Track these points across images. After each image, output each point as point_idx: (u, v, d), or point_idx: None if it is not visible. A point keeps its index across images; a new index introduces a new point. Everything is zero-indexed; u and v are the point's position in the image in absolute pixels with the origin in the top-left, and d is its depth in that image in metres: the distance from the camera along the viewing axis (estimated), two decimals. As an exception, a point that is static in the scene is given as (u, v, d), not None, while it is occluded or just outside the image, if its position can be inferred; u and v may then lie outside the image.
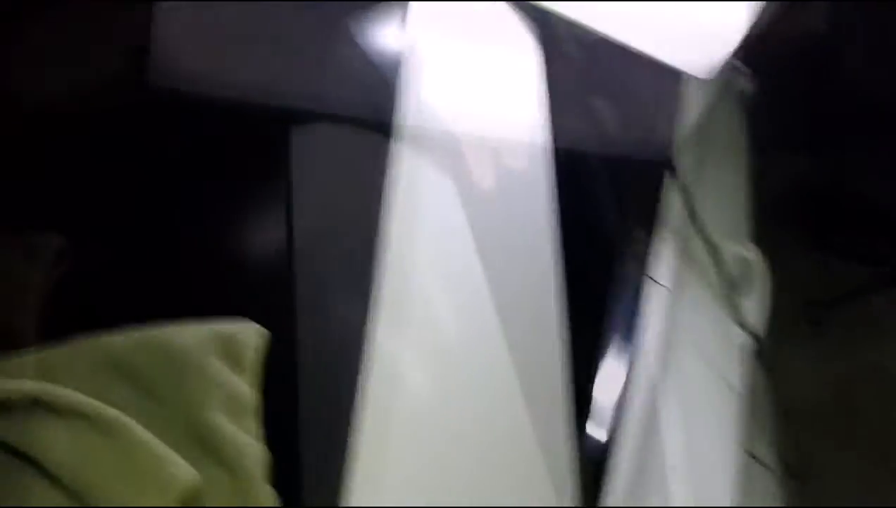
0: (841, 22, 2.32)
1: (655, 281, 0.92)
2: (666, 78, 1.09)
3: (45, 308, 0.64)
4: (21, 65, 0.74)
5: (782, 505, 1.04)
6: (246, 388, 0.56)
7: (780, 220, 2.08)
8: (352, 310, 0.61)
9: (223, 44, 0.72)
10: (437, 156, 0.68)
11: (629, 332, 0.84)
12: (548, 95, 0.78)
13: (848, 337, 2.04)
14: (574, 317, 0.71)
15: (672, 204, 1.04)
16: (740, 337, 1.09)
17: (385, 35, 0.75)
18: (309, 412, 0.56)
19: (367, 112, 0.70)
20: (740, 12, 0.79)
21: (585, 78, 0.96)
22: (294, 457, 0.55)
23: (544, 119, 0.77)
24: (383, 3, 0.75)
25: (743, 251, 1.17)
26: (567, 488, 0.65)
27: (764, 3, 0.80)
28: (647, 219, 1.00)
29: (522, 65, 0.79)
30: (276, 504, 0.52)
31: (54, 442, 0.53)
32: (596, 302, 0.87)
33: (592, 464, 0.71)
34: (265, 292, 0.64)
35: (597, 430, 0.74)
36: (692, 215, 1.04)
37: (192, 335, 0.57)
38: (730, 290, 1.08)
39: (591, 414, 0.75)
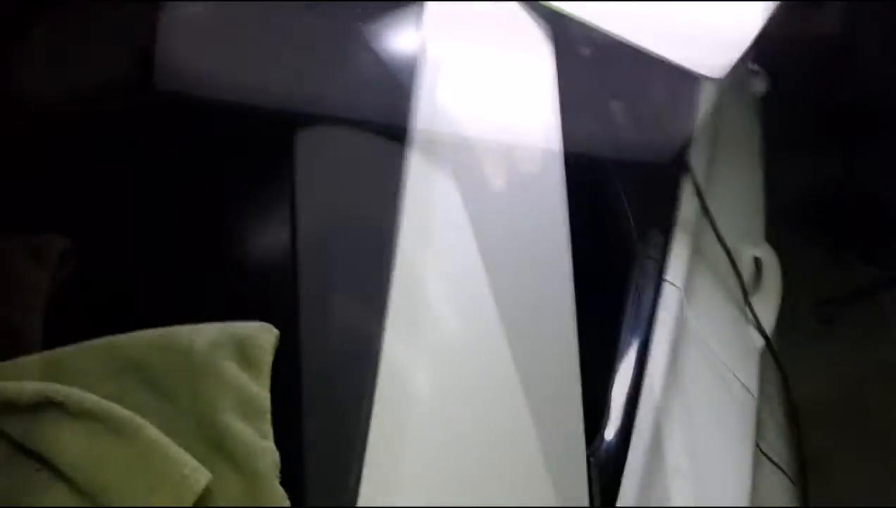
0: (855, 22, 2.31)
1: (668, 282, 0.91)
2: (679, 79, 1.09)
3: (50, 308, 0.65)
4: (26, 66, 0.74)
5: (793, 505, 1.04)
6: (259, 390, 0.56)
7: (793, 219, 2.07)
8: (355, 311, 0.61)
9: (228, 46, 0.72)
10: (449, 159, 0.68)
11: (642, 332, 0.84)
12: (561, 97, 0.78)
13: (859, 336, 2.03)
14: (587, 319, 0.71)
15: (686, 204, 1.04)
16: (752, 336, 1.08)
17: (395, 39, 0.75)
18: (312, 412, 0.56)
19: (374, 115, 0.70)
20: (753, 13, 0.78)
21: (599, 80, 0.96)
22: (297, 457, 0.55)
23: (557, 122, 0.77)
24: (391, 7, 0.75)
25: (756, 252, 1.17)
26: (579, 489, 0.65)
27: (777, 4, 0.80)
28: (660, 220, 1.00)
29: (536, 68, 0.79)
30: (288, 506, 0.52)
31: (68, 443, 0.53)
32: (609, 303, 0.87)
33: (605, 465, 0.71)
34: (269, 293, 0.64)
35: (609, 431, 0.74)
36: (706, 215, 1.04)
37: (206, 337, 0.57)
38: (742, 290, 1.08)
39: (603, 415, 0.75)
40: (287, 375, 0.58)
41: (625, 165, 0.93)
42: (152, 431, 0.53)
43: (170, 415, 0.55)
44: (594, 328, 0.73)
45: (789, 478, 1.03)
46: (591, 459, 0.68)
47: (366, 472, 0.53)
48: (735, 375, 0.97)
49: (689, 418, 0.84)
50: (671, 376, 0.82)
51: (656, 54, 0.79)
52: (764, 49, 0.82)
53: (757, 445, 0.94)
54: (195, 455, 0.53)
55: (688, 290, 0.93)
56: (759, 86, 1.72)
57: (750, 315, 1.08)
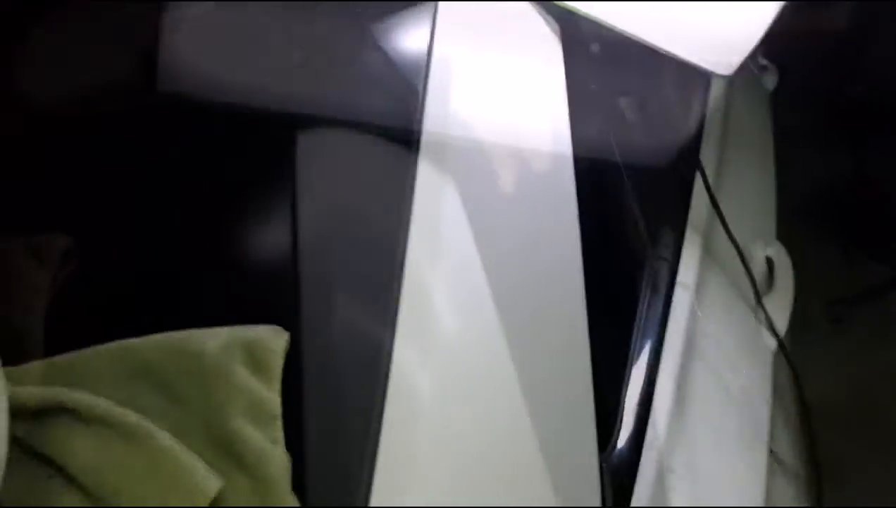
0: (866, 17, 2.29)
1: (680, 283, 0.91)
2: (689, 76, 1.08)
3: (51, 307, 0.65)
4: (29, 68, 0.74)
5: (806, 505, 1.03)
6: (270, 394, 0.56)
7: (804, 218, 2.06)
8: (363, 317, 0.61)
9: (232, 48, 0.72)
10: (459, 161, 0.68)
11: (654, 334, 0.84)
12: (571, 95, 0.78)
13: (871, 336, 2.02)
14: (598, 321, 0.70)
15: (697, 204, 1.03)
16: (765, 337, 1.08)
17: (403, 39, 0.75)
18: (314, 415, 0.56)
19: (381, 118, 0.69)
20: (763, 9, 0.78)
21: (609, 78, 0.96)
22: (308, 461, 0.54)
23: (567, 121, 0.76)
24: (399, 7, 0.74)
25: (768, 251, 1.16)
26: (592, 495, 0.64)
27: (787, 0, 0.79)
28: (671, 219, 1.00)
29: (546, 67, 0.78)
30: (299, 511, 0.52)
31: (80, 448, 0.53)
32: (620, 305, 0.86)
33: (618, 470, 0.70)
34: (273, 298, 0.64)
35: (622, 436, 0.74)
36: (717, 214, 1.03)
37: (217, 341, 0.57)
38: (755, 291, 1.07)
39: (616, 420, 0.75)
40: (295, 379, 0.57)
41: (635, 165, 0.92)
42: (164, 437, 0.53)
43: (181, 420, 0.55)
44: (605, 331, 0.73)
45: (800, 478, 1.03)
46: (604, 464, 0.68)
47: (376, 478, 0.53)
48: (748, 377, 0.96)
49: (702, 421, 0.83)
50: (683, 379, 0.82)
51: (666, 51, 0.79)
52: (774, 45, 0.82)
53: (770, 448, 0.93)
54: (206, 461, 0.53)
55: (700, 291, 0.93)
56: (770, 82, 1.71)
57: (762, 316, 1.07)
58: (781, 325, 1.09)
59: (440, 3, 0.73)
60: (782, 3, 0.78)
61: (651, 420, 0.75)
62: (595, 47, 0.92)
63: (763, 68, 1.71)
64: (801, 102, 2.00)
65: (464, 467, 0.57)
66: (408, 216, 0.62)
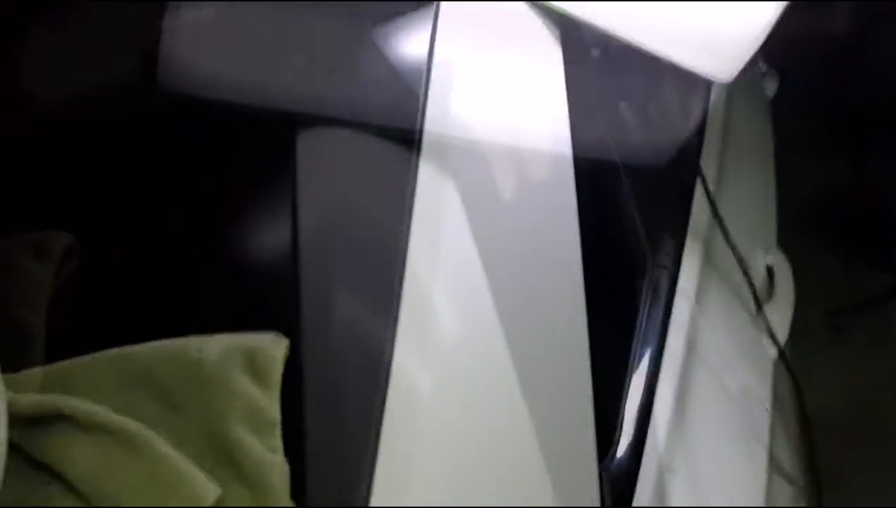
0: (866, 23, 2.30)
1: (680, 290, 0.91)
2: (690, 83, 1.08)
3: (54, 304, 0.65)
4: (30, 68, 0.75)
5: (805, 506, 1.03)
6: (269, 403, 0.56)
7: (804, 225, 2.06)
8: (363, 319, 0.61)
9: (233, 48, 0.72)
10: (460, 164, 0.67)
11: (655, 342, 0.83)
12: (571, 101, 0.78)
13: (871, 345, 2.02)
14: (598, 328, 0.70)
15: (697, 211, 1.03)
16: (765, 346, 1.08)
17: (404, 41, 0.75)
18: (315, 414, 0.56)
19: (382, 118, 0.69)
20: (762, 15, 0.77)
21: (609, 84, 0.96)
22: (306, 469, 0.54)
23: (567, 127, 0.76)
24: (400, 9, 0.74)
25: (769, 259, 1.16)
26: (591, 503, 0.64)
27: (787, 5, 0.79)
28: (672, 227, 0.99)
29: (546, 72, 0.78)
30: (299, 519, 0.52)
31: (79, 456, 0.53)
32: (620, 312, 0.86)
33: (617, 478, 0.70)
34: (271, 294, 0.64)
35: (621, 444, 0.73)
36: (718, 222, 1.03)
37: (216, 349, 0.57)
38: (755, 299, 1.07)
39: (615, 428, 0.74)
40: (293, 384, 0.57)
41: (635, 171, 0.92)
42: (163, 444, 0.53)
43: (179, 427, 0.55)
44: (605, 338, 0.72)
45: (802, 489, 1.03)
46: (604, 473, 0.68)
47: (376, 486, 0.53)
48: (748, 385, 0.96)
49: (702, 430, 0.83)
50: (683, 387, 0.82)
51: (666, 58, 0.79)
52: (774, 50, 0.82)
53: (770, 456, 0.93)
54: (205, 469, 0.53)
55: (700, 299, 0.93)
56: (770, 88, 1.71)
57: (762, 324, 1.07)
58: (782, 333, 1.09)
59: (442, 3, 0.73)
60: (783, 9, 0.78)
61: (651, 425, 0.75)
62: (595, 52, 0.92)
63: (763, 74, 1.71)
64: (801, 109, 2.00)
65: (463, 468, 0.57)
66: (409, 217, 0.62)
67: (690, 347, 0.86)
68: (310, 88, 0.71)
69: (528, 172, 0.76)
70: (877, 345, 2.01)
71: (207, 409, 0.55)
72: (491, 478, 0.58)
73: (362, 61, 0.73)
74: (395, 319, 0.58)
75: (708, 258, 0.99)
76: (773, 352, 1.07)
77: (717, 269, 1.01)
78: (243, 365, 0.57)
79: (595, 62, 0.92)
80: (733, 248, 1.03)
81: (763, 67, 1.71)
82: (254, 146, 0.70)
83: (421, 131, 0.66)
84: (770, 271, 1.16)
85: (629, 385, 0.79)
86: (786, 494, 0.96)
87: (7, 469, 0.49)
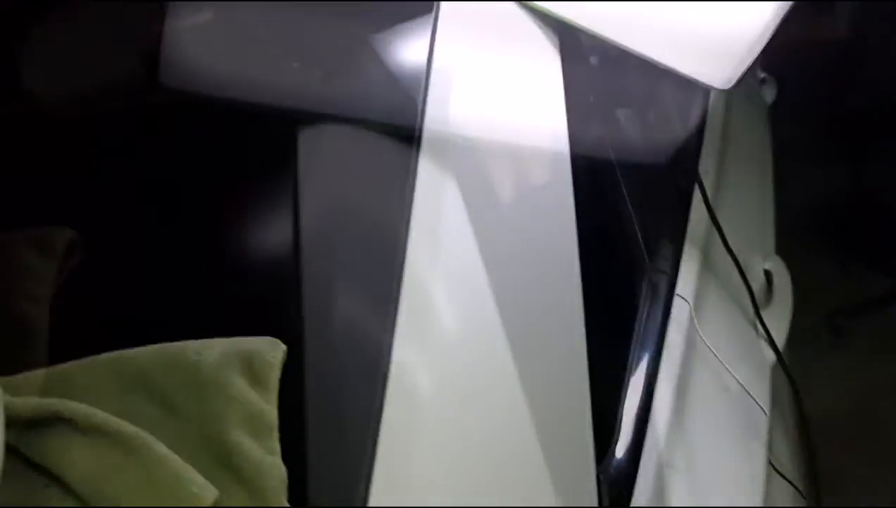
0: (865, 28, 2.30)
1: (678, 295, 0.91)
2: (688, 89, 1.09)
3: (56, 299, 0.65)
4: (33, 65, 0.75)
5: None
6: (267, 406, 0.56)
7: (803, 229, 2.07)
8: (358, 313, 0.61)
9: (233, 47, 0.72)
10: (458, 162, 0.68)
11: (652, 346, 0.83)
12: (569, 107, 0.78)
13: (870, 348, 2.02)
14: (597, 333, 0.70)
15: (695, 216, 1.04)
16: (763, 350, 1.08)
17: (407, 42, 0.75)
18: (313, 413, 0.56)
19: (386, 116, 0.70)
20: (761, 23, 0.78)
21: (608, 90, 0.96)
22: (304, 473, 0.54)
23: (566, 131, 0.77)
24: (400, 12, 0.75)
25: (767, 264, 1.16)
26: (590, 495, 0.64)
27: (786, 12, 0.79)
28: (670, 232, 1.00)
29: (544, 78, 0.78)
30: (295, 523, 0.52)
31: (77, 459, 0.53)
32: (619, 317, 0.86)
33: (615, 482, 0.70)
34: (271, 291, 0.64)
35: (619, 447, 0.73)
36: (716, 227, 1.03)
37: (214, 352, 0.57)
38: (753, 303, 1.07)
39: (613, 431, 0.74)
40: (292, 383, 0.57)
41: (634, 176, 0.92)
42: (161, 448, 0.53)
43: (177, 431, 0.55)
44: (604, 342, 0.73)
45: (801, 493, 1.03)
46: (601, 476, 0.68)
47: (374, 489, 0.53)
48: (746, 390, 0.96)
49: (700, 434, 0.83)
50: (681, 391, 0.82)
51: (664, 65, 0.79)
52: (773, 57, 0.82)
53: (769, 460, 0.93)
54: (202, 472, 0.53)
55: (698, 303, 0.93)
56: (769, 95, 1.72)
57: (761, 329, 1.07)
58: (780, 338, 1.09)
59: (442, 5, 0.73)
60: (782, 16, 0.79)
61: (651, 424, 0.75)
62: (594, 60, 0.92)
63: (762, 81, 1.71)
64: (800, 115, 2.00)
65: (462, 468, 0.57)
66: (408, 215, 0.62)
67: (689, 351, 0.87)
68: (310, 87, 0.71)
69: (527, 175, 0.76)
70: (876, 348, 2.01)
71: (205, 412, 0.55)
72: (489, 478, 0.58)
73: (363, 62, 0.73)
74: (394, 318, 0.58)
75: (706, 263, 0.99)
76: (771, 357, 1.07)
77: (716, 274, 1.02)
78: (241, 369, 0.57)
79: (593, 69, 0.93)
80: (731, 253, 1.03)
81: (762, 73, 1.72)
82: (255, 145, 0.70)
83: (420, 130, 0.66)
84: (768, 276, 1.16)
85: (627, 387, 0.79)
86: (785, 496, 0.96)
87: (5, 472, 0.49)
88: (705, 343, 0.92)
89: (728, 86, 0.80)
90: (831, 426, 1.48)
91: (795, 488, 1.00)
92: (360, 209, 0.66)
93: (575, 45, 0.84)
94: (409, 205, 0.63)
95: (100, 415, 0.54)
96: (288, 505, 0.52)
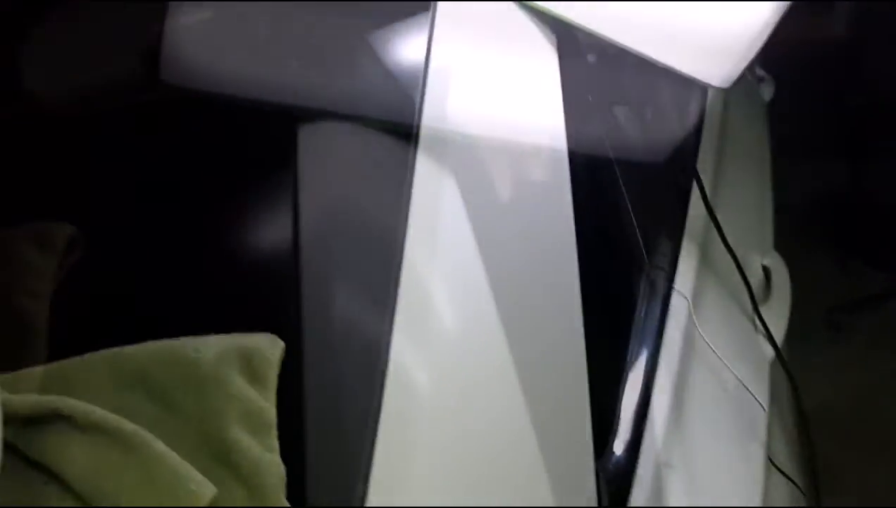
0: (863, 26, 2.30)
1: (677, 291, 0.91)
2: (686, 87, 1.09)
3: (56, 295, 0.65)
4: (35, 63, 0.75)
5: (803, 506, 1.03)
6: (265, 403, 0.56)
7: (802, 226, 2.07)
8: (356, 309, 0.61)
9: (232, 45, 0.72)
10: (456, 159, 0.68)
11: (651, 343, 0.84)
12: (567, 105, 0.78)
13: (869, 344, 2.02)
14: (595, 329, 0.70)
15: (694, 213, 1.04)
16: (762, 346, 1.08)
17: (405, 40, 0.75)
18: (313, 413, 0.56)
19: (384, 113, 0.70)
20: (760, 21, 0.78)
21: (605, 88, 0.96)
22: (302, 470, 0.55)
23: (564, 129, 0.77)
24: (399, 10, 0.75)
25: (765, 260, 1.16)
26: (588, 502, 0.65)
27: (784, 10, 0.79)
28: (668, 229, 1.00)
29: (542, 76, 0.78)
30: (294, 520, 0.52)
31: (75, 456, 0.53)
32: (617, 314, 0.86)
33: (614, 478, 0.70)
34: (269, 288, 0.64)
35: (618, 443, 0.74)
36: (714, 223, 1.03)
37: (212, 350, 0.57)
38: (752, 299, 1.07)
39: (612, 427, 0.75)
40: (291, 378, 0.57)
41: (632, 174, 0.92)
42: (159, 445, 0.53)
43: (175, 428, 0.55)
44: (602, 339, 0.73)
45: (800, 489, 1.03)
46: (600, 472, 0.68)
47: (372, 487, 0.53)
48: (745, 386, 0.96)
49: (699, 430, 0.83)
50: (680, 387, 0.82)
51: (662, 63, 0.79)
52: (771, 55, 0.82)
53: (768, 456, 0.93)
54: (201, 469, 0.53)
55: (696, 300, 0.93)
56: (767, 92, 1.72)
57: (759, 325, 1.07)
58: (779, 334, 1.09)
59: (439, 5, 0.73)
60: (780, 15, 0.79)
61: (649, 422, 0.75)
62: (592, 58, 0.92)
63: (760, 79, 1.71)
64: (797, 112, 2.00)
65: (460, 465, 0.57)
66: (406, 212, 0.62)
67: (687, 348, 0.87)
68: (309, 85, 0.71)
69: (525, 173, 0.76)
70: (875, 344, 2.01)
71: (204, 409, 0.55)
72: (487, 475, 0.58)
73: (361, 60, 0.73)
74: (392, 315, 0.58)
75: (704, 260, 0.99)
76: (770, 353, 1.07)
77: (714, 271, 1.02)
78: (240, 366, 0.57)
79: (591, 67, 0.93)
80: (729, 249, 1.03)
81: (759, 72, 1.72)
82: (254, 142, 0.70)
83: (418, 128, 0.66)
84: (767, 273, 1.16)
85: (626, 384, 0.79)
86: (783, 492, 0.96)
87: (3, 469, 0.49)
88: (704, 340, 0.92)
89: (726, 84, 0.80)
90: (830, 422, 1.48)
91: (794, 484, 1.00)
92: (359, 206, 0.66)
93: (573, 44, 0.84)
94: (407, 202, 0.63)
95: (98, 412, 0.54)
96: (286, 503, 0.53)
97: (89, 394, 0.56)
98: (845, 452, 1.68)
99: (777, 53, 0.87)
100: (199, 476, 0.52)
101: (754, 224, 1.27)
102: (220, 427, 0.54)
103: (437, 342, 0.60)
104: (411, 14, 0.74)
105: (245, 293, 0.64)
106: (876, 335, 2.03)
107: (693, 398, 0.84)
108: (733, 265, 1.05)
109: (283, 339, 0.59)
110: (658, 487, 0.73)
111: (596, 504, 0.65)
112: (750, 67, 0.81)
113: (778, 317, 1.11)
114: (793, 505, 0.99)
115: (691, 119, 1.18)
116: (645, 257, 0.92)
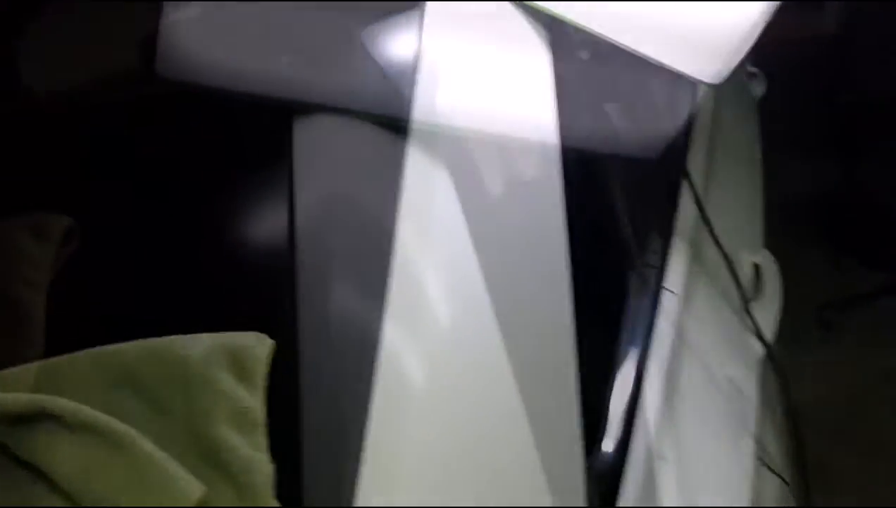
0: (854, 24, 2.31)
1: (667, 289, 0.91)
2: (677, 84, 1.09)
3: (53, 286, 0.65)
4: (32, 57, 0.75)
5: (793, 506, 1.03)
6: (254, 402, 0.56)
7: (793, 224, 2.07)
8: (353, 304, 0.61)
9: (229, 41, 0.72)
10: (448, 155, 0.68)
11: (641, 340, 0.84)
12: (559, 101, 0.78)
13: (860, 342, 2.03)
14: (585, 326, 0.70)
15: (684, 210, 1.04)
16: (752, 344, 1.08)
17: (397, 35, 0.75)
18: (310, 411, 0.56)
19: (377, 108, 0.70)
20: (751, 18, 0.78)
21: (597, 84, 0.96)
22: (292, 468, 0.54)
23: (556, 125, 0.77)
24: (390, 8, 0.75)
25: (755, 258, 1.17)
26: (577, 499, 0.65)
27: (776, 7, 0.79)
28: (658, 226, 1.00)
29: (534, 68, 0.78)
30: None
31: (63, 455, 0.53)
32: (607, 311, 0.86)
33: (603, 475, 0.71)
34: (264, 281, 0.64)
35: (607, 440, 0.74)
36: (704, 221, 1.04)
37: (201, 348, 0.57)
38: (742, 297, 1.08)
39: (601, 424, 0.75)
40: (284, 372, 0.57)
41: (622, 171, 0.92)
42: (147, 444, 0.53)
43: (164, 427, 0.55)
44: (592, 336, 0.73)
45: (789, 486, 1.03)
46: (590, 469, 0.68)
47: (361, 484, 0.53)
48: (735, 383, 0.96)
49: (689, 427, 0.83)
50: (670, 385, 0.82)
51: (654, 60, 0.79)
52: (762, 51, 0.82)
53: (757, 454, 0.93)
54: (189, 468, 0.53)
55: (686, 297, 0.93)
56: (758, 89, 1.72)
57: (749, 322, 1.08)
58: (769, 331, 1.10)
59: (427, 4, 0.73)
60: (772, 11, 0.79)
61: (640, 416, 0.76)
62: (584, 54, 0.92)
63: (751, 75, 1.72)
64: (789, 109, 2.01)
65: (450, 459, 0.57)
66: (398, 206, 0.62)
67: (677, 345, 0.87)
68: (302, 80, 0.71)
69: (516, 168, 0.76)
70: (865, 342, 2.02)
71: (192, 408, 0.55)
72: (477, 470, 0.58)
73: (353, 55, 0.73)
74: (382, 312, 0.58)
75: (695, 257, 1.00)
76: (760, 351, 1.07)
77: (704, 268, 1.02)
78: (228, 365, 0.57)
79: (583, 63, 0.92)
80: (720, 247, 1.04)
81: (751, 68, 1.72)
82: (249, 135, 0.70)
83: (410, 123, 0.66)
84: (757, 270, 1.16)
85: (615, 381, 0.79)
86: (773, 488, 0.97)
87: (-9, 468, 0.49)
88: (694, 337, 0.92)
89: (718, 81, 0.80)
90: (820, 419, 1.49)
91: (783, 480, 1.00)
92: (352, 199, 0.66)
93: (564, 40, 0.83)
94: (399, 197, 0.63)
95: (87, 412, 0.54)
96: (275, 502, 0.52)
97: (78, 393, 0.56)
98: (834, 449, 1.68)
99: (768, 50, 0.87)
100: (187, 475, 0.52)
101: (745, 221, 1.28)
102: (209, 426, 0.54)
103: (427, 337, 0.60)
104: (402, 9, 0.74)
105: (239, 284, 0.65)
106: (866, 334, 2.04)
107: (683, 396, 0.85)
108: (723, 262, 1.05)
109: (275, 330, 0.59)
110: (648, 484, 0.73)
111: (585, 501, 0.65)
112: (741, 64, 0.81)
113: (768, 314, 1.12)
114: (783, 502, 0.99)
115: (682, 116, 1.18)
116: (635, 253, 0.92)
